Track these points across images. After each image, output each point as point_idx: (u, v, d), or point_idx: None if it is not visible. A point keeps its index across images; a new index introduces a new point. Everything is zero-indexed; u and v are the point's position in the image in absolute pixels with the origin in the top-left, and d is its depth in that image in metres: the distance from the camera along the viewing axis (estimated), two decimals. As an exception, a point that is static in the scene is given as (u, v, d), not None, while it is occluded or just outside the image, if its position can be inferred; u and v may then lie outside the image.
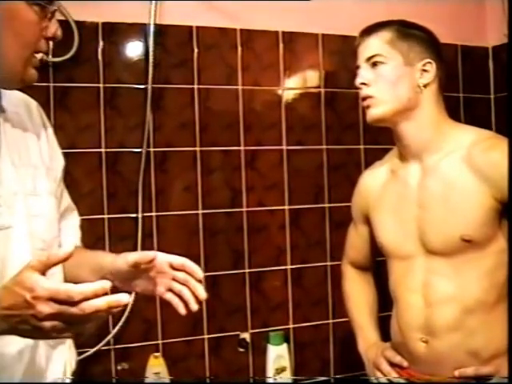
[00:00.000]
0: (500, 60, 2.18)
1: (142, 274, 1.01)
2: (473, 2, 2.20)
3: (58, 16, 1.70)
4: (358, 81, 1.33)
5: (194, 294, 0.97)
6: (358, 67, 1.35)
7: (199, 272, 0.98)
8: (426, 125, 1.32)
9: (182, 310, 0.98)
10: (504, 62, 2.12)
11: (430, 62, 1.32)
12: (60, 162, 1.09)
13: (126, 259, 0.99)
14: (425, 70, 1.32)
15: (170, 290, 1.00)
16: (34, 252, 0.92)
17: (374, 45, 1.32)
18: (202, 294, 0.96)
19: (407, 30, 1.34)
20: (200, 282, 0.98)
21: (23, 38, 0.90)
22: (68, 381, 1.00)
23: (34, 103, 1.07)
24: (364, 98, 1.32)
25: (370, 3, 1.97)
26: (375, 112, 1.31)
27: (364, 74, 1.32)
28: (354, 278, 1.59)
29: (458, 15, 2.16)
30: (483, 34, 2.22)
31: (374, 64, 1.31)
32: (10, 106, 0.99)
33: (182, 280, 0.99)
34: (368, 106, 1.32)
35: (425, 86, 1.31)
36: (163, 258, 1.01)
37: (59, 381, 0.99)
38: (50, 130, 1.08)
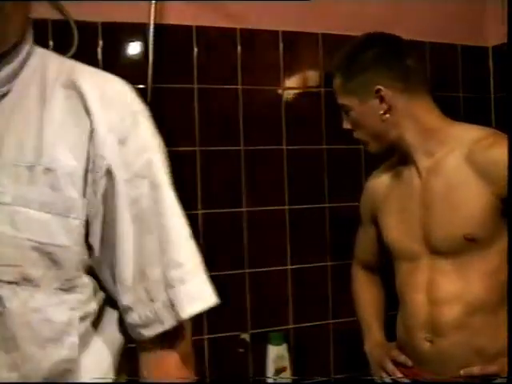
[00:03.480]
0: (500, 60, 2.18)
1: None
2: (473, 2, 2.20)
3: (59, 16, 1.71)
4: (343, 127, 1.44)
5: None
6: None
7: None
8: (417, 135, 1.33)
9: None
10: (504, 62, 2.12)
11: (379, 89, 1.31)
12: (99, 170, 0.78)
13: None
14: (381, 97, 1.32)
15: None
16: None
17: (336, 93, 1.40)
18: None
19: (349, 67, 1.36)
20: None
21: None
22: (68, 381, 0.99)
23: (90, 86, 0.79)
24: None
25: (369, 3, 1.97)
26: (371, 149, 1.41)
27: (344, 121, 1.42)
28: (363, 280, 1.61)
29: (457, 15, 2.16)
30: (483, 34, 2.22)
31: (346, 112, 1.40)
32: (26, 88, 0.78)
33: None
34: (364, 145, 1.43)
35: (387, 112, 1.32)
36: None
37: (59, 381, 0.98)
38: (102, 129, 0.78)
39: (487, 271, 1.26)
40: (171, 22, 1.82)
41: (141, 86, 1.78)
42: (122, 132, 0.80)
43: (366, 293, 1.59)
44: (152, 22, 1.77)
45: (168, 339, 0.87)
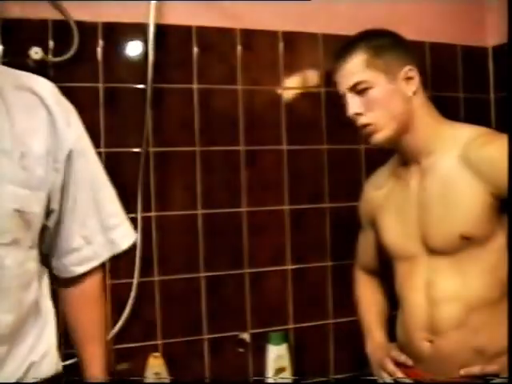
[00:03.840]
0: (500, 60, 2.18)
1: None
2: (473, 2, 2.20)
3: (59, 16, 1.71)
4: (349, 112, 1.30)
5: None
6: (342, 95, 1.32)
7: None
8: (422, 130, 1.32)
9: None
10: (504, 62, 2.12)
11: (411, 69, 1.31)
12: (62, 155, 1.03)
13: None
14: (409, 78, 1.31)
15: None
16: None
17: (353, 70, 1.30)
18: None
19: (379, 43, 1.31)
20: None
21: None
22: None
23: (40, 86, 1.03)
24: (362, 126, 1.31)
25: (369, 3, 1.96)
26: (379, 137, 1.30)
27: (353, 103, 1.30)
28: (364, 282, 1.61)
29: (457, 15, 2.16)
30: (483, 34, 2.22)
31: (360, 91, 1.29)
32: None
33: None
34: (369, 134, 1.31)
35: (413, 93, 1.31)
36: None
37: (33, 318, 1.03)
38: (59, 117, 1.02)
39: (485, 269, 1.26)
40: (171, 22, 1.82)
41: (141, 86, 1.79)
42: (67, 120, 1.04)
43: (368, 295, 1.59)
44: (152, 22, 1.77)
45: (97, 268, 1.14)
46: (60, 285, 1.13)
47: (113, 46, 1.78)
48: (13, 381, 0.98)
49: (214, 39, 1.88)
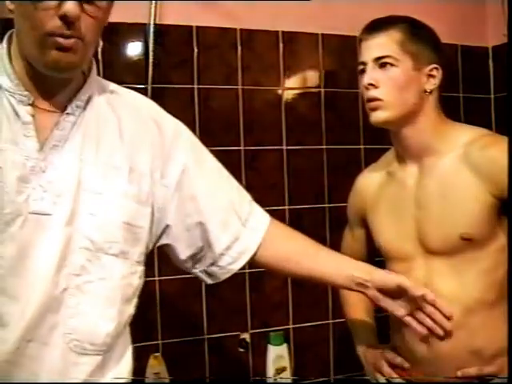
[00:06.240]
0: (500, 60, 2.18)
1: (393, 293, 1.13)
2: (473, 2, 2.21)
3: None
4: (365, 81, 1.28)
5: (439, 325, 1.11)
6: (362, 63, 1.31)
7: (448, 311, 1.10)
8: (427, 128, 1.31)
9: (422, 330, 1.13)
10: (504, 62, 2.12)
11: (436, 68, 1.31)
12: (173, 171, 1.07)
13: (396, 281, 1.10)
14: (431, 75, 1.31)
15: (411, 314, 1.12)
16: (77, 249, 0.94)
17: (384, 44, 1.28)
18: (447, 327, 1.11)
19: (417, 31, 1.31)
20: (448, 318, 1.11)
21: (31, 19, 0.88)
22: (71, 381, 1.00)
23: (144, 102, 1.14)
24: (371, 100, 1.29)
25: (369, 3, 1.96)
26: (381, 115, 1.28)
27: (373, 74, 1.28)
28: None
29: (458, 15, 2.16)
30: (483, 34, 2.22)
31: (383, 65, 1.28)
32: (99, 105, 1.02)
33: (428, 313, 1.11)
34: (374, 108, 1.29)
35: (430, 91, 1.31)
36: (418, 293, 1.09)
37: (62, 381, 1.00)
38: (168, 140, 1.09)
39: (483, 270, 1.26)
40: (171, 22, 1.82)
41: (141, 86, 1.78)
42: (176, 133, 1.15)
43: (354, 295, 1.57)
44: (152, 22, 1.77)
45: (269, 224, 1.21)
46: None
47: (113, 45, 1.78)
48: None
49: (214, 39, 1.88)
